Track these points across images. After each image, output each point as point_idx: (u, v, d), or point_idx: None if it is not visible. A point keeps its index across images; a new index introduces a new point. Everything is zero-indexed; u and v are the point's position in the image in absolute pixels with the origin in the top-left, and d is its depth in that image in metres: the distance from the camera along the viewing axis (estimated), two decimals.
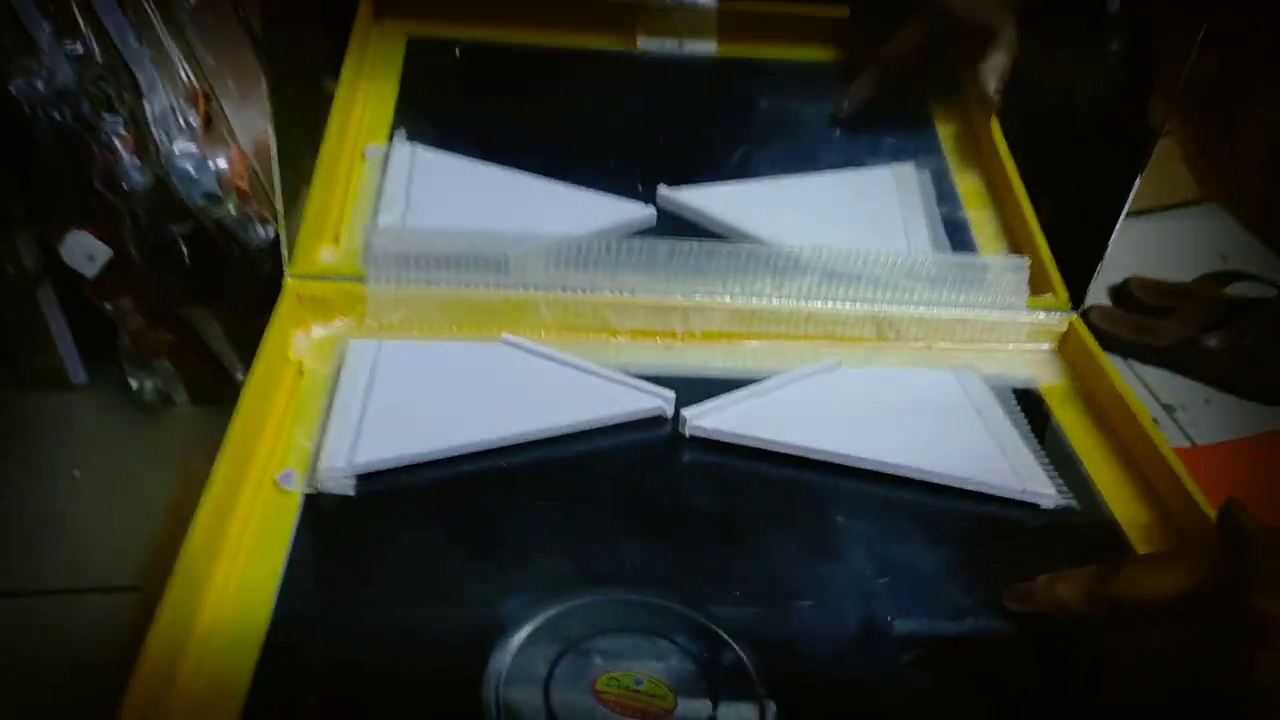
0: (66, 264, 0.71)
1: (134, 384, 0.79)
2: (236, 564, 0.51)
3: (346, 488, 0.56)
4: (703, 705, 0.46)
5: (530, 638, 0.48)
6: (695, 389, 0.63)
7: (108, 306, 0.75)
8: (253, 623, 0.49)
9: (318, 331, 0.66)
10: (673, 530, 0.56)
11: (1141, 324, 0.89)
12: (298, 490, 0.55)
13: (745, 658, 0.48)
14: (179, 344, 0.78)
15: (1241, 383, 0.86)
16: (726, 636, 0.49)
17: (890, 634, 0.51)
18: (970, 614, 0.53)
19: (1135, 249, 0.95)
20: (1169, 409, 0.86)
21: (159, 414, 0.80)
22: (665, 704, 0.45)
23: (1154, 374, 0.88)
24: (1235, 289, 0.90)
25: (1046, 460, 0.62)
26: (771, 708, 0.46)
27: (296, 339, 0.65)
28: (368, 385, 0.62)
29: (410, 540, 0.54)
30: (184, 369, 0.80)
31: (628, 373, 0.63)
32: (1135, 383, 0.83)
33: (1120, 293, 0.93)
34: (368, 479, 0.56)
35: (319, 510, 0.54)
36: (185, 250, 0.72)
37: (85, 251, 0.70)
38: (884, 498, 0.59)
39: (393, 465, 0.57)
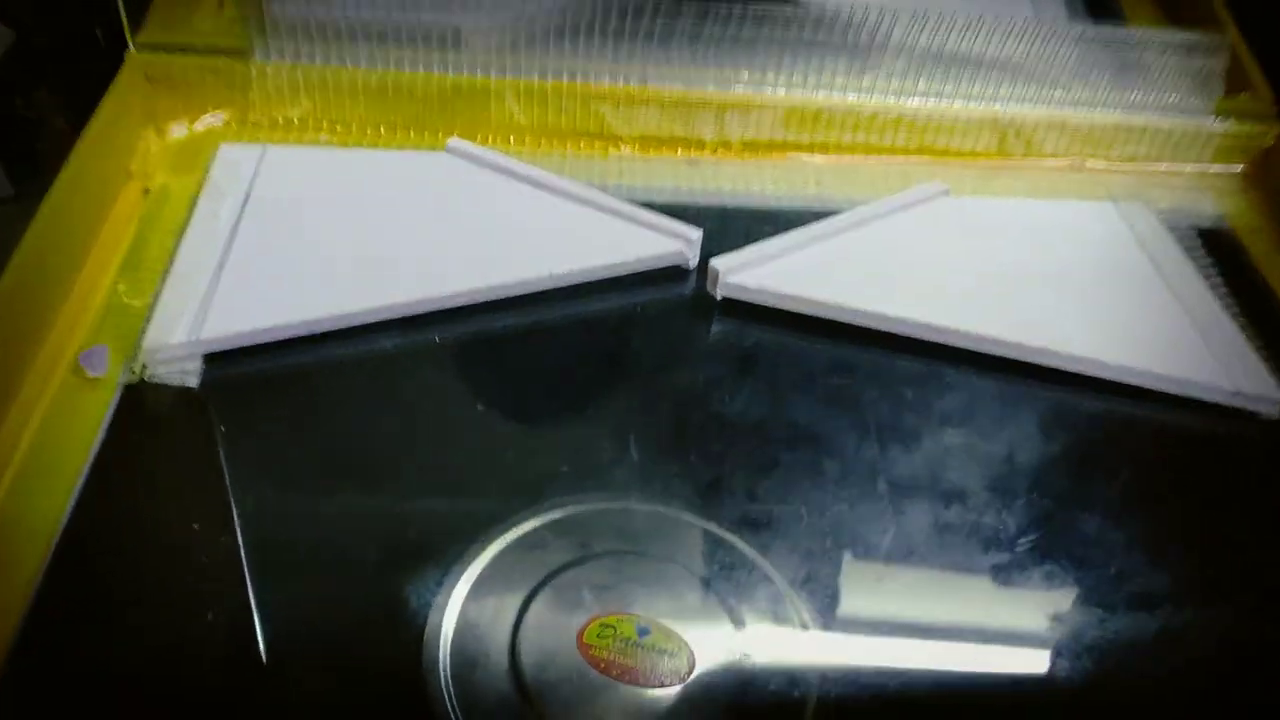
0: None
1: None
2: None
3: (187, 374, 0.40)
4: (730, 664, 0.36)
5: (488, 571, 0.37)
6: (730, 226, 0.51)
7: (20, 104, 0.67)
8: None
9: (175, 131, 0.51)
10: (692, 432, 0.44)
11: None
12: (109, 377, 0.40)
13: (794, 601, 0.38)
14: None
15: None
16: (768, 568, 0.39)
17: (1004, 599, 0.38)
18: (1149, 588, 0.39)
19: None
20: None
21: None
22: (679, 663, 0.35)
23: None
24: None
25: (1261, 344, 0.46)
26: (828, 668, 0.36)
27: (142, 142, 0.50)
28: (237, 211, 0.46)
29: (293, 451, 0.41)
30: None
31: (633, 201, 0.50)
32: None
33: None
34: (222, 361, 0.42)
35: (144, 409, 0.40)
36: (99, 30, 0.61)
37: None
38: (1008, 395, 0.45)
39: (265, 339, 0.42)
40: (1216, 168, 0.58)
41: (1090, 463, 0.43)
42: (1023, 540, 0.40)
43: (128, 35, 0.50)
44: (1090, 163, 0.58)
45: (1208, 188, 0.57)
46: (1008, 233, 0.51)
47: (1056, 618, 0.38)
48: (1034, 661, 0.37)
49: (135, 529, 0.37)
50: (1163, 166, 0.58)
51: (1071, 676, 0.36)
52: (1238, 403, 0.44)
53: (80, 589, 0.35)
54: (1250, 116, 0.57)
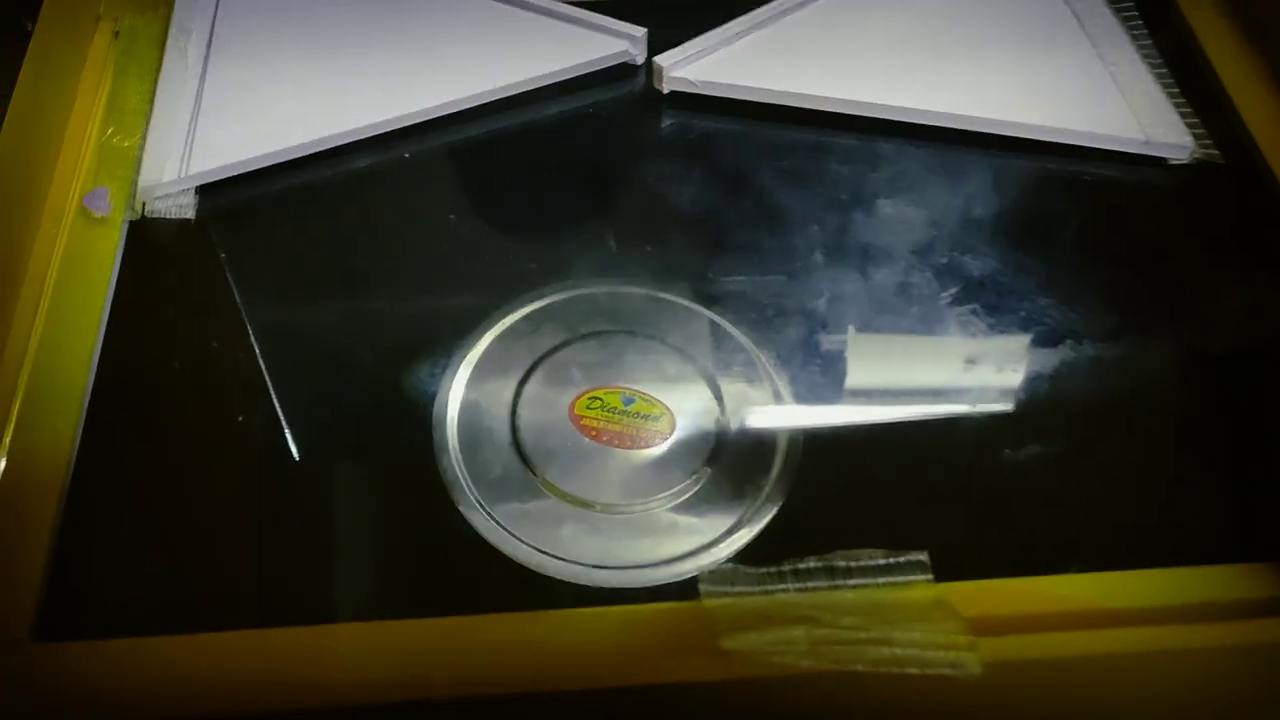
0: None
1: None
2: (33, 335, 0.39)
3: (184, 208, 0.42)
4: (708, 423, 0.38)
5: (486, 353, 0.40)
6: (677, 15, 0.49)
7: None
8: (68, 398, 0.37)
9: None
10: (654, 220, 0.45)
11: None
12: (113, 216, 0.42)
13: (761, 361, 0.40)
14: None
15: None
16: (736, 334, 0.41)
17: (952, 344, 0.41)
18: (1070, 324, 0.41)
19: None
20: None
21: None
22: (662, 425, 0.38)
23: None
24: None
25: (1176, 92, 0.47)
26: (796, 422, 0.39)
27: None
28: (205, 47, 0.47)
29: (289, 270, 0.43)
30: None
31: (580, 3, 0.49)
32: None
33: None
34: (214, 191, 0.43)
35: (149, 242, 0.42)
36: None
37: None
38: (943, 160, 0.46)
39: (249, 169, 0.43)
40: None
41: (1013, 218, 0.44)
42: (948, 293, 0.42)
43: None
44: None
45: None
46: (937, 5, 0.50)
47: (982, 358, 0.40)
48: (964, 398, 0.39)
49: (161, 350, 0.39)
50: None
51: (995, 407, 0.39)
52: (1150, 151, 0.45)
53: (122, 403, 0.38)
54: None
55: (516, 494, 0.36)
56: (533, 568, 0.34)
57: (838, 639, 0.30)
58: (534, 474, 0.36)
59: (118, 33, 0.47)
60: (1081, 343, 0.40)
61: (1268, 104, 0.47)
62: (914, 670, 0.29)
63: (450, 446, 0.37)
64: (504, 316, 0.40)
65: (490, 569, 0.34)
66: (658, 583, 0.34)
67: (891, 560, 0.32)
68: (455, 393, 0.38)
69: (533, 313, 0.41)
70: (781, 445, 0.37)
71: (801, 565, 0.32)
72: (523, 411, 0.38)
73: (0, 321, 0.38)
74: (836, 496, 0.37)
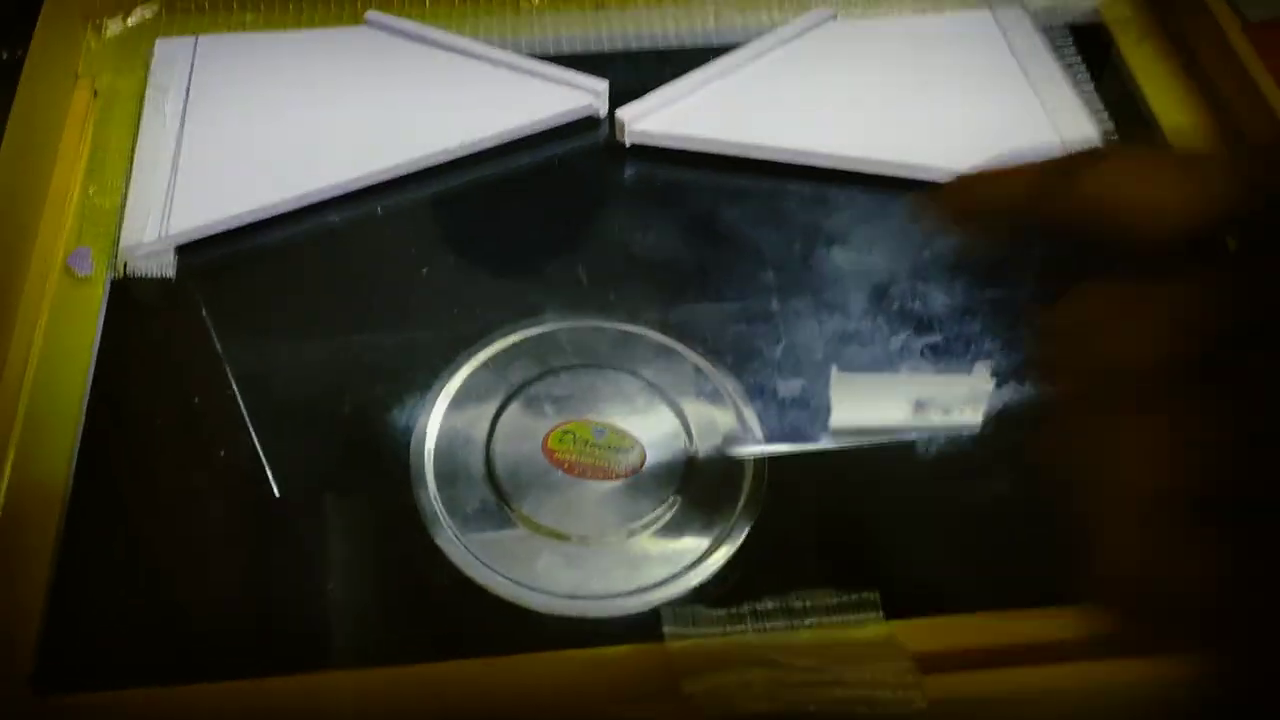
0: None
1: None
2: (22, 393, 0.40)
3: (164, 266, 0.43)
4: (677, 453, 0.39)
5: (460, 392, 0.41)
6: (639, 68, 0.52)
7: None
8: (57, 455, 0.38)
9: (111, 29, 0.52)
10: (620, 264, 0.46)
11: None
12: (96, 275, 0.43)
13: (727, 391, 0.41)
14: None
15: None
16: (704, 365, 0.42)
17: (904, 384, 0.42)
18: (1015, 364, 0.43)
19: None
20: None
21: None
22: (632, 458, 0.39)
23: None
24: None
25: (1116, 138, 0.49)
26: (760, 444, 0.40)
27: (83, 42, 0.51)
28: (182, 107, 0.48)
29: (268, 323, 0.44)
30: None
31: (546, 55, 0.51)
32: None
33: None
34: (193, 251, 0.44)
35: (131, 301, 0.43)
36: None
37: None
38: (892, 207, 0.47)
39: (226, 227, 0.44)
40: None
41: (958, 261, 0.45)
42: (899, 333, 0.43)
43: None
44: None
45: None
46: (888, 54, 0.52)
47: (931, 397, 0.41)
48: (914, 435, 0.40)
49: (145, 402, 0.40)
50: None
51: (944, 445, 0.40)
52: None
53: (109, 454, 0.39)
54: None
55: (492, 526, 0.37)
56: (509, 599, 0.35)
57: (794, 681, 0.31)
58: (509, 507, 0.37)
59: (96, 91, 0.48)
60: (1024, 381, 0.41)
61: (1202, 143, 0.49)
62: (863, 710, 0.30)
63: (427, 481, 0.38)
64: (476, 354, 0.41)
65: (467, 601, 0.35)
66: (630, 612, 0.35)
67: (844, 599, 0.34)
68: (431, 429, 0.39)
69: (505, 350, 0.42)
70: (748, 474, 0.38)
71: (760, 606, 0.34)
72: (497, 446, 0.39)
73: None
74: (799, 525, 0.38)
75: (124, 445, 0.39)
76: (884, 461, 0.40)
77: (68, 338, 0.41)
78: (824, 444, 0.40)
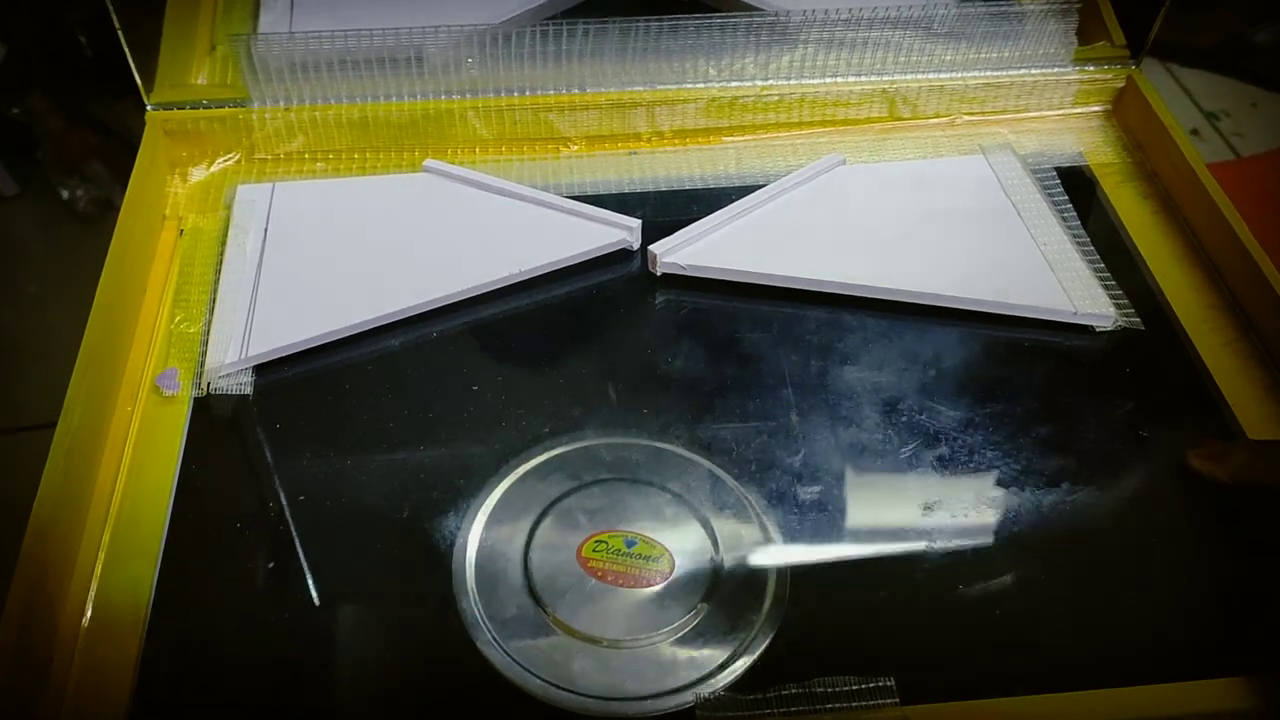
0: None
1: (65, 194, 0.75)
2: (114, 499, 0.43)
3: (243, 385, 0.47)
4: (704, 561, 0.41)
5: (500, 503, 0.43)
6: (669, 206, 0.56)
7: (16, 111, 0.72)
8: (140, 572, 0.41)
9: (196, 175, 0.56)
10: (650, 383, 0.49)
11: (1183, 20, 0.78)
12: (182, 394, 0.46)
13: (750, 504, 0.43)
14: (105, 145, 0.74)
15: None
16: (728, 479, 0.44)
17: (914, 490, 0.45)
18: (1015, 471, 0.46)
19: None
20: (1211, 117, 0.77)
21: (100, 223, 0.74)
22: (662, 565, 0.41)
23: (1196, 78, 0.79)
24: None
25: (1102, 267, 0.52)
26: (783, 560, 0.42)
27: (170, 188, 0.55)
28: (260, 244, 0.52)
29: (332, 435, 0.46)
30: (118, 171, 0.75)
31: (585, 196, 0.55)
32: (1176, 90, 0.75)
33: None
34: (268, 370, 0.48)
35: (212, 416, 0.46)
36: (84, 39, 0.67)
37: None
38: (900, 330, 0.51)
39: (299, 349, 0.48)
40: (1077, 110, 0.61)
41: (963, 378, 0.49)
42: (909, 446, 0.46)
43: (144, 96, 0.54)
44: (963, 118, 0.60)
45: (1072, 129, 0.60)
46: (894, 193, 0.55)
47: (941, 502, 0.44)
48: (926, 537, 0.43)
49: (222, 509, 0.43)
50: (1029, 115, 0.60)
51: (953, 544, 0.42)
52: (1079, 320, 0.50)
53: (187, 561, 0.42)
54: (1105, 61, 0.60)
55: (530, 632, 0.39)
56: (547, 701, 0.37)
57: None
58: (545, 612, 0.39)
59: (182, 231, 0.53)
60: (1025, 487, 0.44)
61: (1181, 277, 0.53)
62: None
63: (469, 588, 0.40)
64: (515, 469, 0.44)
65: (507, 703, 0.37)
66: (661, 712, 0.37)
67: (862, 686, 0.36)
68: (473, 539, 0.42)
69: (542, 464, 0.44)
70: (771, 580, 0.41)
71: (785, 692, 0.36)
72: (534, 555, 0.41)
73: (86, 486, 0.43)
74: (820, 625, 0.40)
75: (201, 550, 0.42)
76: (897, 561, 0.42)
77: (156, 449, 0.44)
78: (840, 550, 0.43)
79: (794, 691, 0.36)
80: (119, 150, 0.75)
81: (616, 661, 0.38)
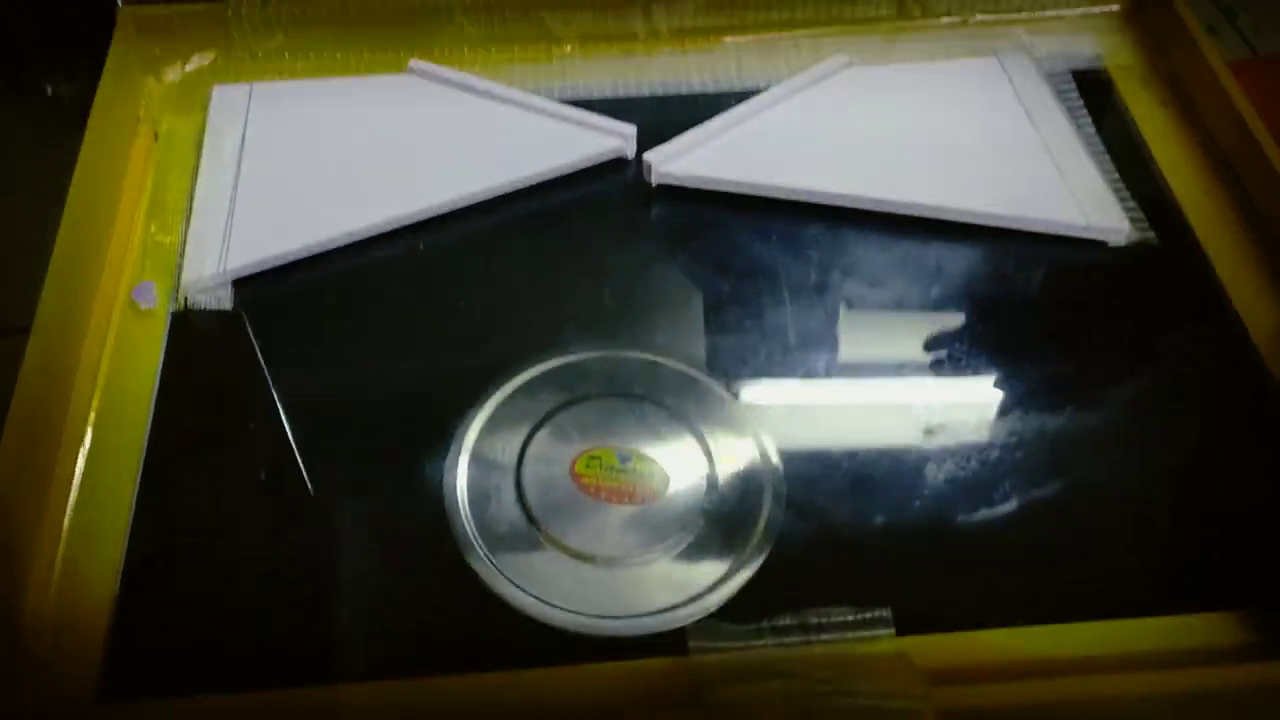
0: None
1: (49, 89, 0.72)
2: (89, 416, 0.42)
3: (221, 299, 0.46)
4: (699, 478, 0.41)
5: (492, 418, 0.42)
6: (666, 112, 0.54)
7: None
8: (117, 500, 0.40)
9: (170, 75, 0.54)
10: (645, 297, 0.48)
11: None
12: (159, 308, 0.45)
13: (747, 419, 0.43)
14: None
15: None
16: (725, 393, 0.43)
17: (917, 412, 0.44)
18: (1019, 393, 0.45)
19: None
20: (1229, 13, 0.75)
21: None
22: (655, 483, 0.40)
23: None
24: None
25: (1117, 178, 0.51)
26: (781, 477, 0.41)
27: (145, 89, 0.53)
28: (238, 150, 0.50)
29: (316, 352, 0.46)
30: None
31: (578, 100, 0.53)
32: None
33: None
34: (248, 284, 0.47)
35: (191, 331, 0.45)
36: None
37: None
38: (905, 245, 0.50)
39: (279, 263, 0.47)
40: (1094, 9, 0.59)
41: (969, 295, 0.47)
42: (912, 362, 0.45)
43: None
44: (977, 17, 0.58)
45: (1089, 29, 0.58)
46: (901, 98, 0.54)
47: (943, 423, 0.43)
48: (927, 459, 0.42)
49: (203, 427, 0.43)
50: (1044, 13, 0.58)
51: (956, 467, 0.42)
52: (1091, 234, 0.48)
53: (169, 477, 0.41)
54: None
55: (522, 548, 0.39)
56: (536, 617, 0.37)
57: (809, 692, 0.33)
58: (538, 529, 0.39)
59: (157, 135, 0.51)
60: (1029, 411, 0.43)
61: (1200, 187, 0.51)
62: None
63: (460, 505, 0.40)
64: (507, 383, 0.43)
65: (498, 620, 0.37)
66: (654, 630, 0.37)
67: (858, 616, 0.36)
68: (464, 455, 0.41)
69: (534, 378, 0.43)
70: (767, 499, 0.40)
71: (779, 622, 0.36)
72: (526, 471, 0.41)
73: (60, 404, 0.42)
74: (816, 546, 0.40)
75: (182, 467, 0.42)
76: (896, 484, 0.41)
77: (132, 365, 0.44)
78: (838, 468, 0.42)
79: (788, 623, 0.36)
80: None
81: (608, 579, 0.38)
